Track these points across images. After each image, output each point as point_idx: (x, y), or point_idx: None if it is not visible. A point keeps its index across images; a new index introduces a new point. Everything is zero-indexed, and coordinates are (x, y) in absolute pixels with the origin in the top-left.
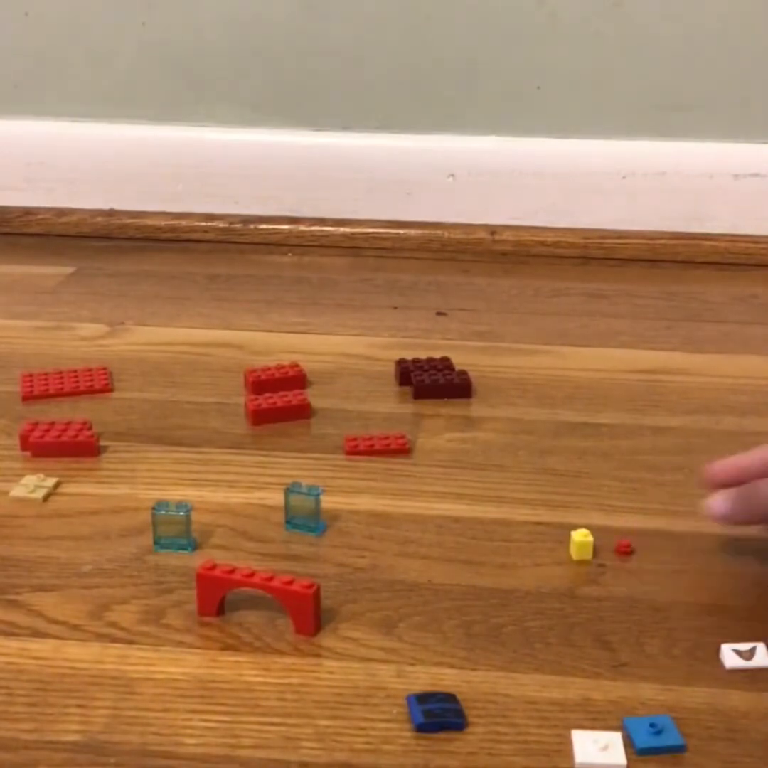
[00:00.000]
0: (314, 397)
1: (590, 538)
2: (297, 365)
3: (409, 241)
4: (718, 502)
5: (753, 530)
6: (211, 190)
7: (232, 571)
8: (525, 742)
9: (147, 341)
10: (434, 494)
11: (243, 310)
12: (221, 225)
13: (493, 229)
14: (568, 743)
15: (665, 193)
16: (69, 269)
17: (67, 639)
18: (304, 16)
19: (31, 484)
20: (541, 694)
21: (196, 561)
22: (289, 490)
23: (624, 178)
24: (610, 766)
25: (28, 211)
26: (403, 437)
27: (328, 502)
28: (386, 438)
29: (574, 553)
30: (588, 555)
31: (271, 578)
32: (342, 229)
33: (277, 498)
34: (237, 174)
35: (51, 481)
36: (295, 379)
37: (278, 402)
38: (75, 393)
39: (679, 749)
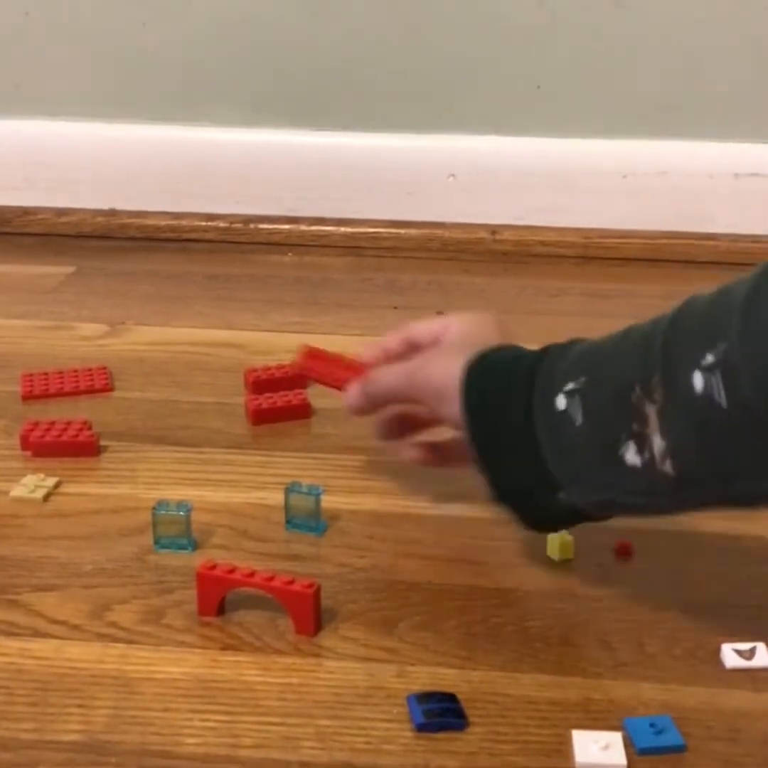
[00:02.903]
0: (314, 397)
1: (570, 537)
2: None
3: (410, 241)
4: (353, 388)
5: (752, 530)
6: (211, 190)
7: (233, 570)
8: (525, 742)
9: (147, 341)
10: (434, 494)
11: (243, 310)
12: (221, 225)
13: (493, 229)
14: (568, 743)
15: (666, 193)
16: (69, 269)
17: (68, 639)
18: (303, 15)
19: (32, 484)
20: (541, 694)
21: (196, 561)
22: (289, 490)
23: (624, 177)
24: (610, 766)
25: (28, 211)
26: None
27: (328, 502)
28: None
29: (556, 554)
30: (570, 554)
31: (271, 578)
32: (342, 229)
33: (277, 498)
34: (237, 174)
35: (51, 481)
36: (295, 379)
37: (278, 402)
38: (75, 393)
39: (679, 749)
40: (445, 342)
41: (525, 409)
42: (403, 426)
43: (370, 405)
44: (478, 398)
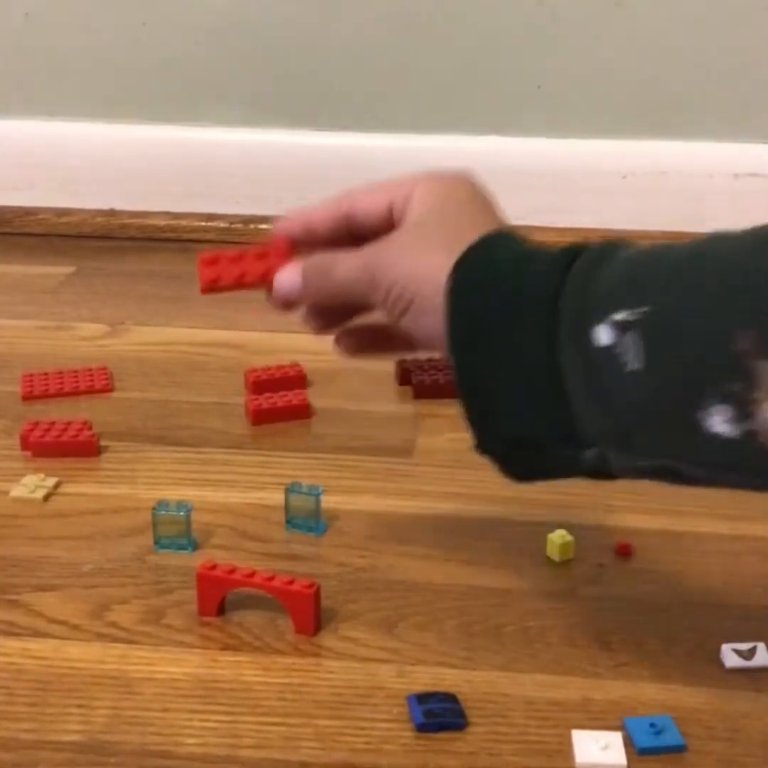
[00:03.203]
0: (314, 397)
1: (570, 538)
2: (297, 365)
3: None
4: (289, 275)
5: (752, 530)
6: (211, 190)
7: (233, 571)
8: (525, 742)
9: (147, 341)
10: (434, 494)
11: (243, 310)
12: (221, 225)
13: None
14: (568, 743)
15: (665, 193)
16: (69, 269)
17: (68, 639)
18: (304, 15)
19: (32, 484)
20: (541, 694)
21: (196, 561)
22: (289, 490)
23: (624, 177)
24: (610, 766)
25: (28, 211)
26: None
27: (328, 502)
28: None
29: (556, 554)
30: (570, 554)
31: (271, 578)
32: None
33: (277, 498)
34: (237, 174)
35: (51, 481)
36: (295, 379)
37: (278, 402)
38: (75, 393)
39: (679, 749)
40: (409, 221)
41: (545, 338)
42: (337, 314)
43: (312, 299)
44: (473, 317)
